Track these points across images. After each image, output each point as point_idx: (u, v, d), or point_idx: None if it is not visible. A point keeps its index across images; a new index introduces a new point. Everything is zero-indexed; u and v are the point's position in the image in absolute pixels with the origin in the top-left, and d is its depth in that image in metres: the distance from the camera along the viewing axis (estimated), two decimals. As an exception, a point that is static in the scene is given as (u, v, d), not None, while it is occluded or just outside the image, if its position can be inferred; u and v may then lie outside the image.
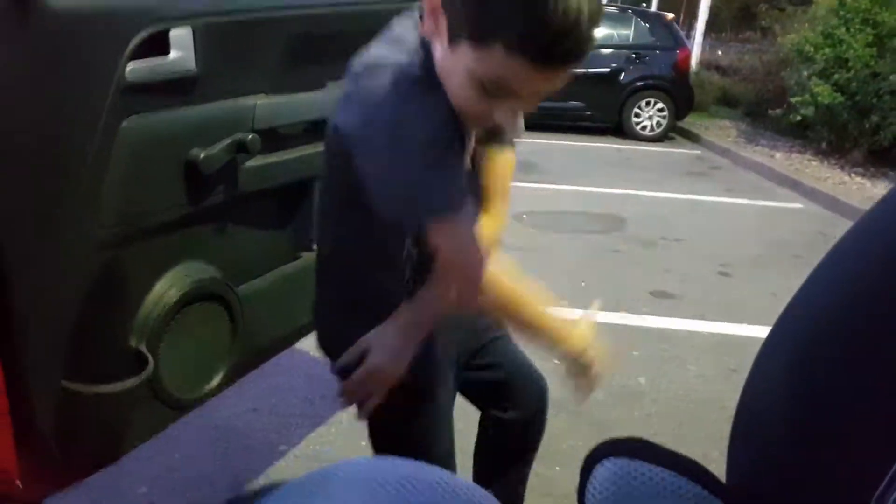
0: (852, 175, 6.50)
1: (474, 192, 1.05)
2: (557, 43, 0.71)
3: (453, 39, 0.79)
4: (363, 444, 2.06)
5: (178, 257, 1.21)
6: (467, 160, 1.00)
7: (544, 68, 0.74)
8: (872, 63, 6.56)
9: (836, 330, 0.49)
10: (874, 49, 6.60)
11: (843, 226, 4.95)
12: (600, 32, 8.78)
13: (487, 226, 1.06)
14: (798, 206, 5.61)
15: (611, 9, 9.79)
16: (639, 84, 8.55)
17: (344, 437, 2.13)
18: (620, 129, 8.63)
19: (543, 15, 0.69)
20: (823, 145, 7.48)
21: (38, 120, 0.93)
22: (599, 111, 8.57)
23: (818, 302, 0.53)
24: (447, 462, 1.13)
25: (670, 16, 9.33)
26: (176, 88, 1.12)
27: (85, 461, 1.13)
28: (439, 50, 0.83)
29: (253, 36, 1.24)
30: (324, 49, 1.35)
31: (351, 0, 1.46)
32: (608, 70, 8.61)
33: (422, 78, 0.83)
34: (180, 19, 1.09)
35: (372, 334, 0.99)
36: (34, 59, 0.90)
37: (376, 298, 1.03)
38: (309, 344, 1.58)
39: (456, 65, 0.80)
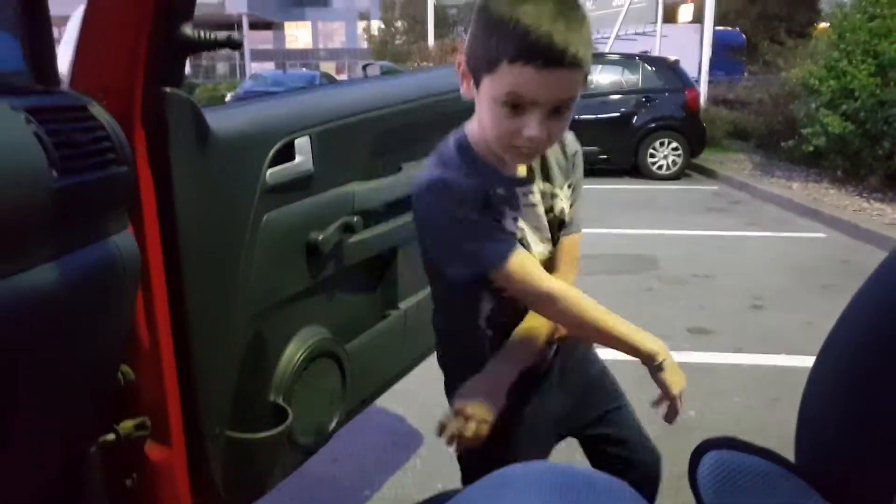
0: (871, 201, 6.65)
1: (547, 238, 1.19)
2: (543, 44, 0.90)
3: (478, 84, 1.01)
4: (438, 486, 2.24)
5: (302, 322, 1.44)
6: (535, 212, 1.15)
7: (541, 68, 0.92)
8: (878, 92, 6.78)
9: (877, 343, 0.69)
10: (878, 78, 6.82)
11: (866, 252, 5.13)
12: (609, 79, 9.22)
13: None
14: (821, 235, 5.77)
15: (615, 56, 10.18)
16: (651, 126, 8.86)
17: (420, 480, 2.31)
18: (637, 169, 8.89)
19: (526, 28, 0.91)
20: (839, 173, 7.65)
21: (211, 220, 1.17)
22: (616, 154, 8.87)
23: (863, 322, 0.73)
24: None
25: (674, 58, 9.68)
26: (299, 185, 1.36)
27: (240, 502, 1.33)
28: (475, 98, 1.04)
29: (349, 135, 1.50)
30: (397, 138, 1.61)
31: (414, 97, 1.71)
32: (620, 114, 8.95)
33: (459, 165, 1.07)
34: (302, 130, 1.34)
35: (467, 383, 1.17)
36: (209, 174, 1.15)
37: (467, 355, 1.22)
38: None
39: (482, 101, 1.01)
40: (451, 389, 1.23)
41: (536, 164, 1.16)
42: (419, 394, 2.37)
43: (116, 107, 1.00)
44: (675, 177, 8.81)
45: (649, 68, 9.28)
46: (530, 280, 1.07)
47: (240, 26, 41.79)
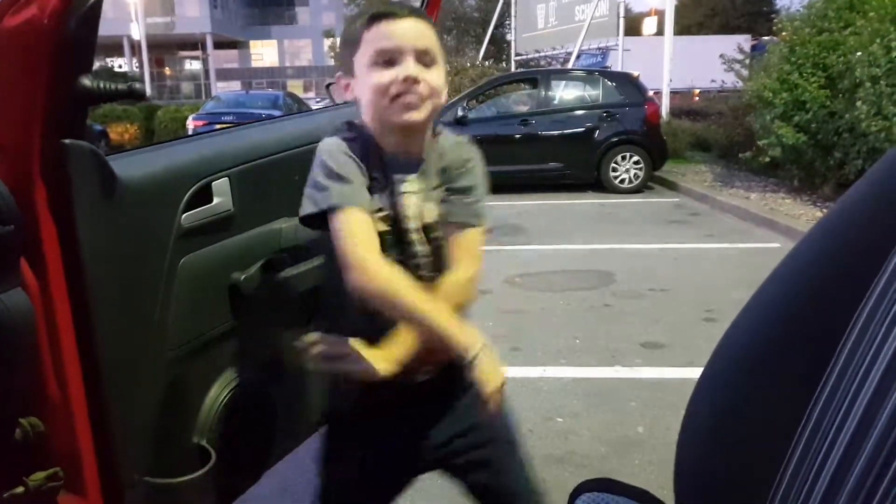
0: (824, 210, 6.81)
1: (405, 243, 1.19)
2: (385, 8, 1.15)
3: (353, 73, 1.18)
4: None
5: (226, 363, 1.43)
6: (397, 202, 1.18)
7: (391, 20, 1.13)
8: (828, 103, 6.97)
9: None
10: (827, 91, 7.02)
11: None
12: (571, 95, 9.34)
13: (450, 282, 1.17)
14: (776, 245, 5.89)
15: (578, 72, 10.34)
16: (613, 140, 8.98)
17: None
18: (600, 183, 9.00)
19: (372, 12, 1.16)
20: (795, 183, 7.85)
21: (121, 268, 1.17)
22: (578, 169, 8.98)
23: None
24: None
25: (636, 73, 9.85)
26: (218, 226, 1.36)
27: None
28: (356, 96, 1.20)
29: (274, 172, 1.50)
30: None
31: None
32: (583, 130, 9.07)
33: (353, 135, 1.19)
34: (219, 173, 1.35)
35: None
36: (116, 223, 1.15)
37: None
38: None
39: (361, 83, 1.16)
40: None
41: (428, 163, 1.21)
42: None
43: (13, 164, 1.00)
44: (637, 190, 8.93)
45: (609, 83, 9.43)
46: (350, 240, 1.09)
47: (204, 46, 41.63)
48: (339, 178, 1.13)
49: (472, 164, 1.25)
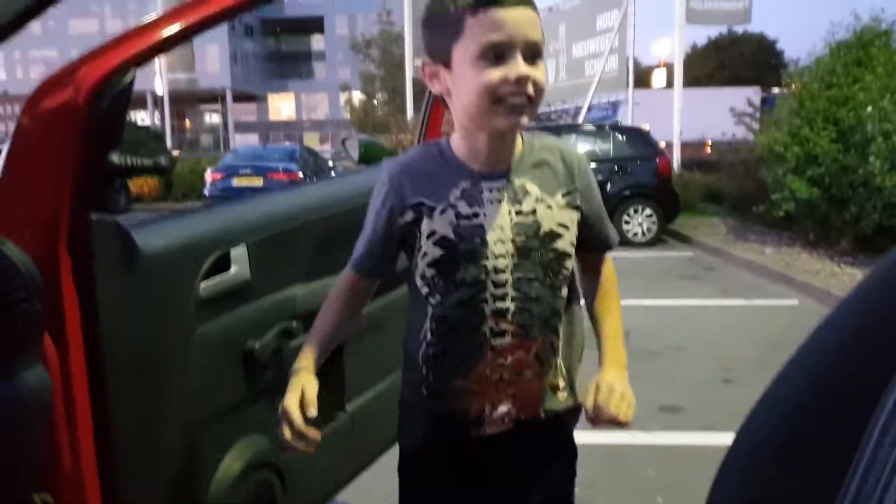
0: (842, 265, 6.75)
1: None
2: None
3: (449, 65, 1.04)
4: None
5: (240, 432, 1.42)
6: (499, 209, 1.08)
7: (503, 6, 0.97)
8: (840, 158, 6.96)
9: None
10: (839, 145, 7.02)
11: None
12: (583, 148, 9.45)
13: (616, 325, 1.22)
14: (793, 302, 5.82)
15: (589, 127, 10.46)
16: (626, 193, 9.02)
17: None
18: (613, 237, 8.97)
19: None
20: (811, 236, 7.76)
21: (139, 339, 1.17)
22: (591, 222, 8.98)
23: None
24: None
25: (646, 127, 9.95)
26: (235, 294, 1.37)
27: None
28: (448, 85, 1.07)
29: (289, 239, 1.51)
30: (340, 238, 1.63)
31: (355, 198, 1.74)
32: (595, 183, 9.10)
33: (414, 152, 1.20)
34: (237, 241, 1.36)
35: None
36: (137, 294, 1.15)
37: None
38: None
39: (460, 76, 1.03)
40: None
41: (515, 163, 1.11)
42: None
43: (41, 238, 1.02)
44: (650, 243, 8.92)
45: (620, 137, 9.53)
46: (329, 293, 1.25)
47: (223, 99, 42.64)
48: (367, 237, 1.18)
49: (583, 164, 1.16)
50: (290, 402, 1.12)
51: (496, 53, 0.99)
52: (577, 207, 1.13)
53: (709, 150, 15.42)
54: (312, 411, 1.11)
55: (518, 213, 1.09)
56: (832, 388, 0.73)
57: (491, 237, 1.07)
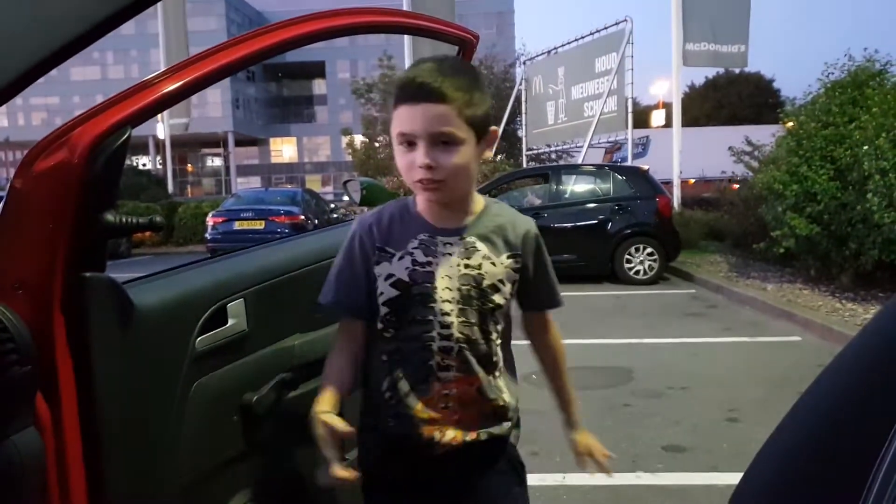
0: (843, 301, 6.73)
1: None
2: (409, 84, 1.16)
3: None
4: None
5: (239, 486, 1.40)
6: (449, 261, 1.24)
7: (412, 104, 1.15)
8: (839, 195, 7.00)
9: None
10: (837, 182, 7.07)
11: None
12: (583, 188, 9.50)
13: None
14: (796, 338, 5.79)
15: (589, 167, 10.55)
16: (627, 232, 9.05)
17: None
18: (615, 275, 8.99)
19: (402, 78, 1.20)
20: (812, 273, 7.76)
21: (134, 397, 1.16)
22: (592, 261, 9.01)
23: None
24: None
25: (646, 167, 10.03)
26: (232, 347, 1.37)
27: None
28: None
29: (286, 291, 1.52)
30: None
31: None
32: (595, 222, 9.16)
33: (382, 209, 1.31)
34: (233, 295, 1.37)
35: None
36: (132, 351, 1.15)
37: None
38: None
39: (395, 152, 1.21)
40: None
41: (471, 223, 1.27)
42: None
43: (34, 299, 1.02)
44: (652, 281, 8.91)
45: (620, 177, 9.60)
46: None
47: (225, 143, 43.11)
48: (339, 276, 1.30)
49: (531, 235, 1.33)
50: (321, 430, 1.20)
51: (408, 141, 1.17)
52: (517, 269, 1.29)
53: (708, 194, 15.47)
54: (347, 428, 1.18)
55: (466, 265, 1.25)
56: (839, 429, 0.72)
57: (440, 284, 1.23)
